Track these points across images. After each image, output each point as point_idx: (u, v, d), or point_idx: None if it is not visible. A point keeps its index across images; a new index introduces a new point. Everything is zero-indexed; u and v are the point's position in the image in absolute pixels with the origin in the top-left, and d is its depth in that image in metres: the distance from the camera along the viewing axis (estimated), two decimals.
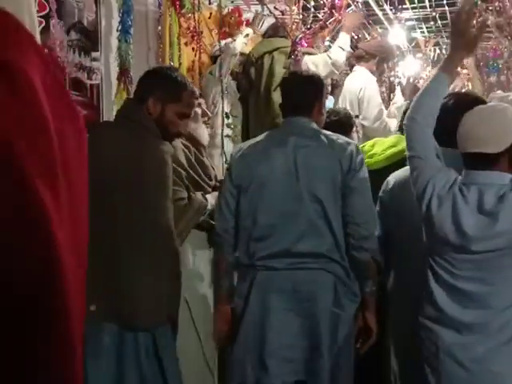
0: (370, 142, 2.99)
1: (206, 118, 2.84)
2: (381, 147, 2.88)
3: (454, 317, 1.93)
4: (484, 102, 2.30)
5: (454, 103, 2.14)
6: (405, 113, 2.23)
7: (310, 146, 2.37)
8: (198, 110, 2.64)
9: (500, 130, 1.87)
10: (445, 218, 1.91)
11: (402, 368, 2.40)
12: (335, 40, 4.30)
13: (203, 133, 2.58)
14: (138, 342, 2.04)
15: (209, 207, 2.49)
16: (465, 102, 2.09)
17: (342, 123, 3.20)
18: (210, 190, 2.61)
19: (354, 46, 5.23)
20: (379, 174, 2.66)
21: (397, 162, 2.70)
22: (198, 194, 2.45)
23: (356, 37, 6.09)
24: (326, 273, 2.30)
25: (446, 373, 1.94)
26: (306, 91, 2.45)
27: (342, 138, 2.43)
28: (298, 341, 2.29)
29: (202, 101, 2.65)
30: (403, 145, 2.61)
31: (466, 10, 1.97)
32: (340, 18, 4.21)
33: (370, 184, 2.41)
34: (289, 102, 2.50)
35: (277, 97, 3.85)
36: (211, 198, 2.50)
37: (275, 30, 4.16)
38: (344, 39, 4.12)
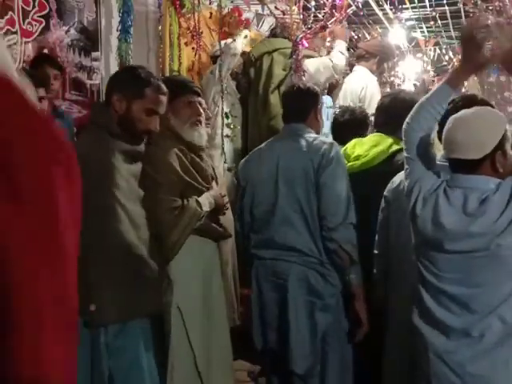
0: (350, 145, 2.98)
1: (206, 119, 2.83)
2: (362, 148, 2.89)
3: (440, 320, 1.95)
4: (489, 104, 2.32)
5: (462, 106, 2.15)
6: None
7: (292, 148, 2.66)
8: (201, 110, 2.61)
9: (480, 137, 1.88)
10: (427, 217, 1.95)
11: (398, 370, 2.41)
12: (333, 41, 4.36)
13: (199, 135, 2.53)
14: (96, 338, 2.07)
15: (206, 208, 2.44)
16: (474, 104, 2.10)
17: (359, 121, 3.21)
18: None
19: (354, 46, 5.24)
20: (368, 174, 2.77)
21: (383, 161, 2.78)
22: (192, 201, 2.41)
23: (356, 37, 6.10)
24: (298, 265, 2.57)
25: (436, 376, 1.95)
26: (300, 100, 2.75)
27: (320, 139, 2.67)
28: (275, 324, 2.64)
29: (202, 100, 2.62)
30: (385, 144, 2.80)
31: (479, 39, 1.98)
32: (341, 17, 4.23)
33: (360, 185, 2.59)
34: (286, 110, 2.83)
35: (274, 98, 3.87)
36: (204, 200, 2.46)
37: (280, 31, 4.17)
38: (342, 45, 4.26)
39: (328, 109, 4.36)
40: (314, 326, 2.55)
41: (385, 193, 2.56)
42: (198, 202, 2.40)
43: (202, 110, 2.55)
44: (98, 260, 2.05)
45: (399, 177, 2.47)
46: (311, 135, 2.68)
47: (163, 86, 2.23)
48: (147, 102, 2.17)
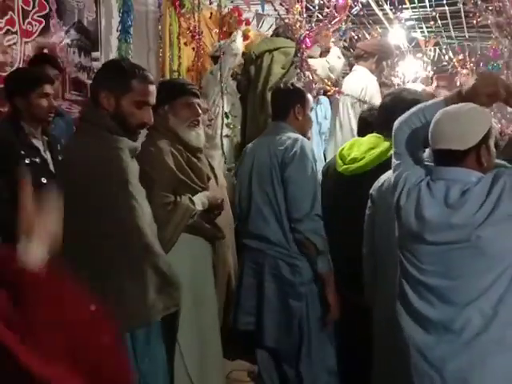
0: (347, 145, 2.95)
1: (207, 120, 2.84)
2: (360, 150, 2.86)
3: (421, 313, 1.96)
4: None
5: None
6: None
7: (264, 145, 2.84)
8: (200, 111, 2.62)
9: (465, 129, 1.92)
10: (410, 209, 1.98)
11: (383, 366, 2.41)
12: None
13: (197, 135, 2.55)
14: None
15: (199, 208, 2.45)
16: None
17: (387, 119, 3.17)
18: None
19: (353, 46, 5.24)
20: (365, 178, 2.68)
21: (380, 164, 2.69)
22: (185, 198, 2.41)
23: (356, 37, 6.10)
24: (270, 256, 2.77)
25: (417, 371, 1.96)
26: (282, 99, 2.90)
27: (287, 136, 2.79)
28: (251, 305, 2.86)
29: (201, 102, 2.63)
30: (382, 147, 2.73)
31: (498, 95, 2.02)
32: (343, 18, 4.24)
33: (356, 187, 2.61)
34: (272, 108, 3.00)
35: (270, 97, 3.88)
36: (198, 199, 2.47)
37: (283, 31, 4.18)
38: (336, 50, 4.36)
39: (324, 108, 4.38)
40: (289, 310, 2.75)
41: (371, 191, 2.55)
42: (190, 199, 2.42)
43: (200, 111, 2.57)
44: (122, 262, 2.02)
45: (385, 175, 2.48)
46: (286, 133, 2.80)
47: (150, 75, 2.14)
48: (136, 95, 2.08)
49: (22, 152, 2.70)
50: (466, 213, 1.87)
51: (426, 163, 2.14)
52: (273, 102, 3.00)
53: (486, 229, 1.85)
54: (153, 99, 2.14)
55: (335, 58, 4.25)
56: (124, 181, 2.05)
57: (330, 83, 4.15)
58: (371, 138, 2.89)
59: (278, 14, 4.12)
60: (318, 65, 4.10)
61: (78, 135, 2.20)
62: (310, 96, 3.03)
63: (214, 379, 2.56)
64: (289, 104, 2.86)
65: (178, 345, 2.38)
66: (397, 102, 2.77)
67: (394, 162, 2.13)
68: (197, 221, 2.46)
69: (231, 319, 2.93)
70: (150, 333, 2.10)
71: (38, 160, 2.74)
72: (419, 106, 2.16)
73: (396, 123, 2.16)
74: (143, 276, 2.04)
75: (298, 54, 3.81)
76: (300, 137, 2.82)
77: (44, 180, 2.70)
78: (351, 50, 5.34)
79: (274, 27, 4.98)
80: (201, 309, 2.52)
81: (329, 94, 4.19)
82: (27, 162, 2.68)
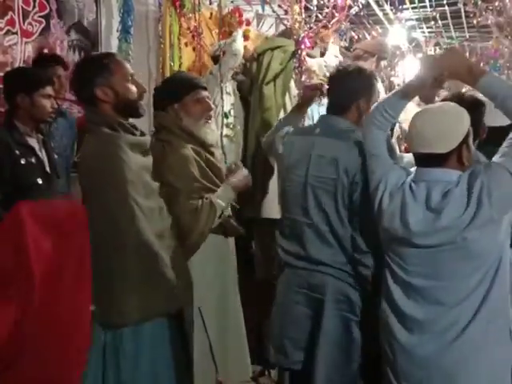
0: None
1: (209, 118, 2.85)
2: None
3: (406, 313, 1.97)
4: (481, 103, 2.36)
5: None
6: None
7: (325, 149, 2.40)
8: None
9: (446, 131, 1.92)
10: (394, 213, 1.98)
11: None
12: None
13: (211, 131, 2.54)
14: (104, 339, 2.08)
15: (223, 204, 2.44)
16: (465, 104, 2.12)
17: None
18: None
19: (353, 46, 5.23)
20: None
21: None
22: (206, 203, 2.38)
23: (356, 37, 6.09)
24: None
25: (402, 371, 1.98)
26: (346, 89, 2.40)
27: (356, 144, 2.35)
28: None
29: (208, 94, 2.60)
30: None
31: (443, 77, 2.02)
32: (342, 18, 4.24)
33: None
34: (329, 98, 2.50)
35: (268, 90, 3.88)
36: (222, 196, 2.45)
37: (286, 33, 4.19)
38: (334, 48, 4.35)
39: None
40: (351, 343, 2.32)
41: None
42: (211, 203, 2.39)
43: (212, 105, 2.56)
44: (116, 260, 2.05)
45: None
46: (352, 136, 2.40)
47: (110, 52, 2.32)
48: (117, 72, 2.16)
49: (17, 152, 2.68)
50: (449, 215, 1.88)
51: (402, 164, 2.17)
52: (329, 89, 2.49)
53: (471, 231, 1.86)
54: (128, 65, 2.26)
55: (332, 57, 4.25)
56: (120, 179, 2.07)
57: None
58: None
59: (277, 15, 4.11)
60: (316, 64, 4.12)
61: (86, 136, 2.25)
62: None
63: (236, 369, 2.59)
64: (352, 96, 2.38)
65: (208, 339, 2.44)
66: None
67: (371, 163, 2.12)
68: (224, 219, 2.46)
69: (272, 355, 2.48)
70: (136, 333, 2.10)
71: (33, 160, 2.72)
72: (377, 103, 2.18)
73: (363, 125, 2.19)
74: (135, 276, 2.07)
75: (297, 55, 3.80)
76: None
77: (39, 181, 2.69)
78: (351, 50, 5.34)
79: (274, 27, 4.99)
80: (226, 309, 2.55)
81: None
82: (23, 162, 2.67)
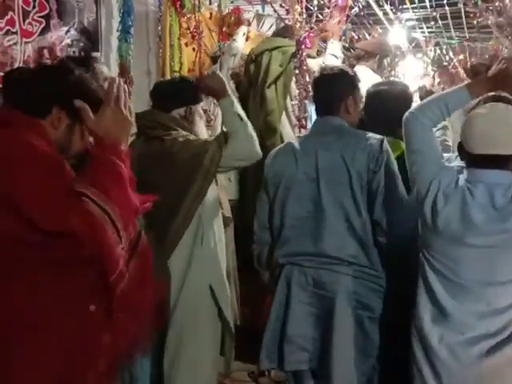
0: None
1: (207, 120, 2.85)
2: None
3: (455, 315, 1.93)
4: None
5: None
6: None
7: (332, 147, 2.40)
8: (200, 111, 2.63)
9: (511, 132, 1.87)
10: (452, 214, 1.90)
11: None
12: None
13: (201, 132, 2.57)
14: None
15: None
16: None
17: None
18: None
19: (354, 47, 5.24)
20: None
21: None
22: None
23: (356, 37, 6.10)
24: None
25: (446, 372, 1.93)
26: (332, 90, 2.45)
27: (369, 136, 2.36)
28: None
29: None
30: (398, 152, 2.51)
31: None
32: (343, 18, 4.24)
33: None
34: (316, 101, 2.55)
35: (270, 93, 3.87)
36: None
37: (283, 31, 4.18)
38: (335, 47, 4.20)
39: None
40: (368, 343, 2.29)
41: None
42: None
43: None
44: None
45: None
46: (355, 133, 2.46)
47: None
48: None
49: None
50: None
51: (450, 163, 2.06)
52: (316, 93, 2.52)
53: None
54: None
55: (331, 58, 4.20)
56: None
57: None
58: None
59: (278, 15, 4.12)
60: (315, 64, 4.10)
61: None
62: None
63: None
64: (340, 96, 2.43)
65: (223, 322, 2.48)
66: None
67: (416, 160, 2.00)
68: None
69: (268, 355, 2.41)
70: None
71: None
72: (437, 95, 2.05)
73: (409, 115, 2.02)
74: None
75: (297, 55, 3.80)
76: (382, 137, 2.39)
77: None
78: (351, 51, 5.34)
79: (274, 27, 4.99)
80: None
81: None
82: None
